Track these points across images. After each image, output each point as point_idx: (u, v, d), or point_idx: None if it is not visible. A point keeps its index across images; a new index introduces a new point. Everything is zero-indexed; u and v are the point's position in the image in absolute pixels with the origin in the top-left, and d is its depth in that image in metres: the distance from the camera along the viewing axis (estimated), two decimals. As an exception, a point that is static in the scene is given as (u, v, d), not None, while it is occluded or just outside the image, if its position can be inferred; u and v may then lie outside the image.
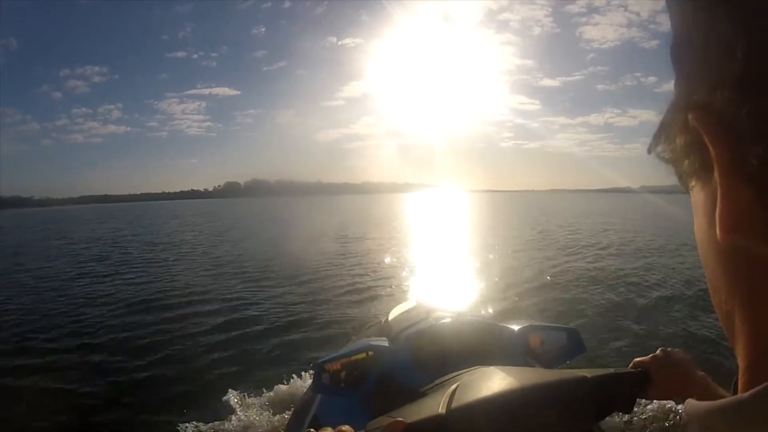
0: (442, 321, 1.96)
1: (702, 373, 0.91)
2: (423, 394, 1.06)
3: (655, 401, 3.61)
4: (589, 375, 0.89)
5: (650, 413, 3.88)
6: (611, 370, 0.94)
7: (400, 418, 0.77)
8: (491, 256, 13.36)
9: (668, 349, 0.97)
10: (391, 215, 41.43)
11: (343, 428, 0.72)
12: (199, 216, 49.94)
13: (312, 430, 0.75)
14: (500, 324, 2.00)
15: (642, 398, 0.95)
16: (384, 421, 0.79)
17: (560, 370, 1.09)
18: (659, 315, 7.16)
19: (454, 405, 0.83)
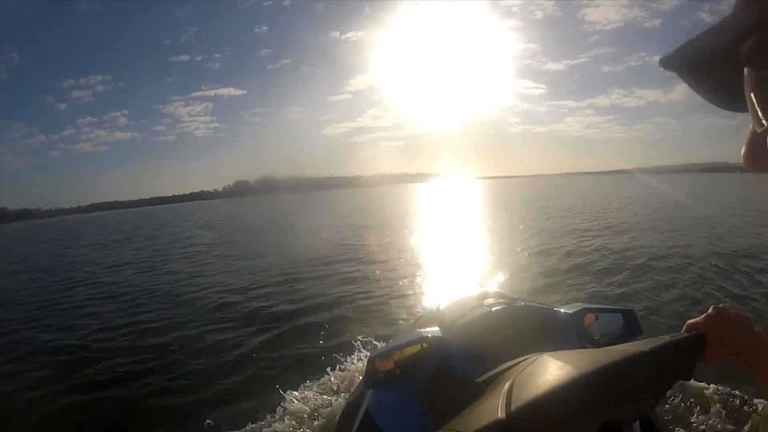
0: (496, 308, 1.90)
1: (758, 328, 0.86)
2: (479, 386, 1.04)
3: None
4: (645, 348, 0.87)
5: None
6: (666, 338, 0.91)
7: (459, 430, 0.77)
8: (520, 242, 13.21)
9: (720, 306, 0.92)
10: (409, 205, 41.52)
11: None
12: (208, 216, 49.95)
13: None
14: (554, 308, 1.95)
15: (702, 362, 0.90)
16: None
17: (615, 348, 0.99)
18: (701, 282, 7.13)
19: (513, 407, 0.81)
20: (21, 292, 11.12)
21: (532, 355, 1.07)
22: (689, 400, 3.68)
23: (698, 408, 3.62)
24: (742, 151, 0.30)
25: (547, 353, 1.01)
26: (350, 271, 10.36)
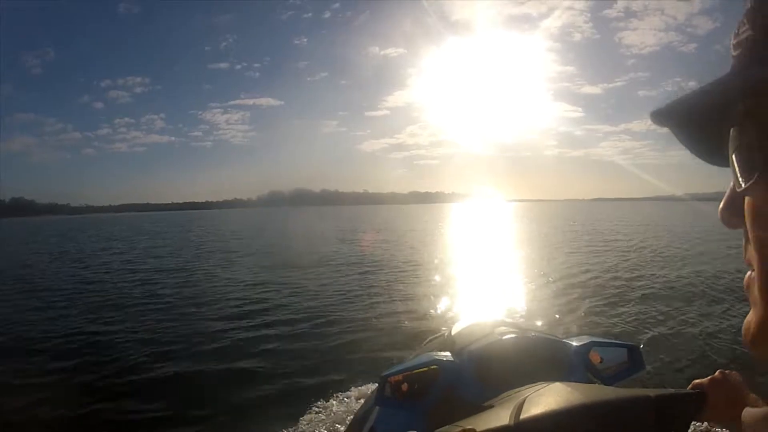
0: (507, 336, 1.96)
1: (754, 395, 0.89)
2: (488, 408, 1.09)
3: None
4: (651, 395, 0.91)
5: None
6: (671, 391, 0.95)
7: (470, 427, 0.81)
8: (544, 268, 13.13)
9: (726, 371, 0.95)
10: (440, 224, 41.36)
11: None
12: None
13: None
14: (562, 339, 2.02)
15: (697, 420, 0.95)
16: (453, 429, 0.85)
17: (622, 389, 1.08)
18: (721, 331, 6.81)
19: (522, 417, 0.86)
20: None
21: (542, 382, 1.13)
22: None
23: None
24: (720, 206, 0.31)
25: (559, 382, 1.07)
26: (374, 286, 10.68)
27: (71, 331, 7.50)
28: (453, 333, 2.20)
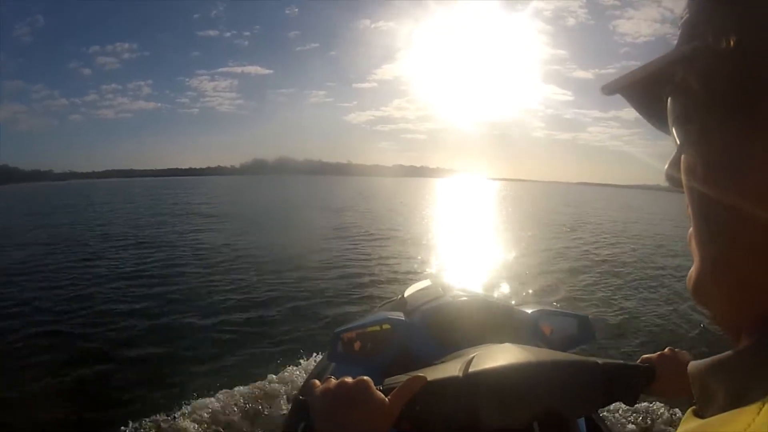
0: (459, 299, 1.97)
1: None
2: (440, 363, 1.08)
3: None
4: (600, 362, 0.94)
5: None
6: (621, 361, 0.98)
7: (421, 374, 0.82)
8: (513, 243, 13.28)
9: (676, 349, 1.02)
10: (420, 199, 41.42)
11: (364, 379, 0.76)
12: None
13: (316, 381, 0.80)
14: (514, 306, 2.02)
15: (645, 393, 0.98)
16: (403, 378, 0.83)
17: (573, 354, 1.10)
18: (676, 314, 6.96)
19: (471, 370, 0.88)
20: None
21: (494, 344, 1.14)
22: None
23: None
24: (665, 166, 0.34)
25: (510, 343, 1.08)
26: (342, 255, 10.71)
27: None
28: (406, 295, 2.24)
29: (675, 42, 0.32)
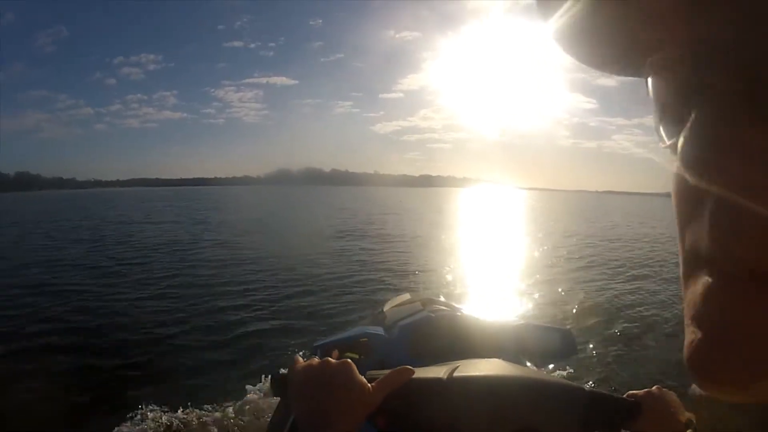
0: (438, 314, 1.97)
1: (690, 414, 0.90)
2: (424, 367, 1.08)
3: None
4: (586, 389, 0.92)
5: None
6: (606, 392, 0.96)
7: (409, 367, 0.80)
8: (528, 254, 13.14)
9: (664, 389, 0.99)
10: (450, 210, 41.42)
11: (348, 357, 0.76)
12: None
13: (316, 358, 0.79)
14: (495, 321, 2.01)
15: (627, 429, 0.94)
16: (384, 371, 0.82)
17: (561, 378, 1.14)
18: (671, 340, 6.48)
19: (455, 375, 0.88)
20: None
21: (484, 358, 1.14)
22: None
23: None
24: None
25: (495, 358, 1.09)
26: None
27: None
28: (385, 310, 2.25)
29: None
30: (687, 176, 0.24)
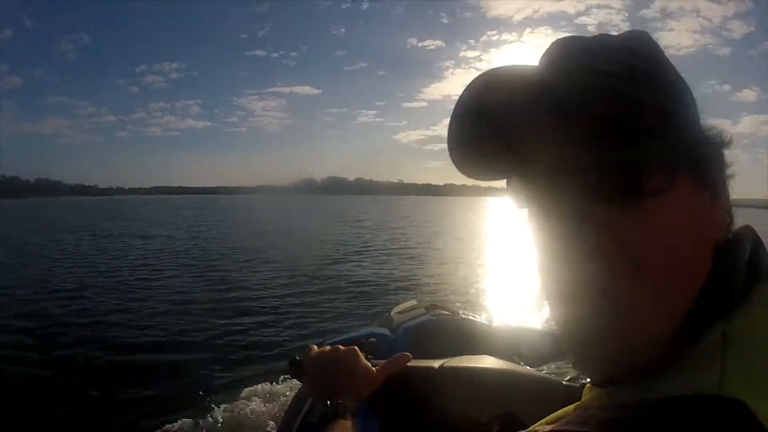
0: (439, 318, 2.14)
1: None
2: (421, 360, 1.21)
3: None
4: (563, 382, 0.98)
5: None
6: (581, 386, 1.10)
7: (407, 353, 0.92)
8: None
9: None
10: (465, 220, 41.09)
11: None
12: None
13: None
14: (492, 324, 2.20)
15: None
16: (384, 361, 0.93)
17: (545, 374, 1.21)
18: None
19: (446, 365, 0.97)
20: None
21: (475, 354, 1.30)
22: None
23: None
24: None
25: (487, 356, 1.15)
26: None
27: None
28: (392, 313, 2.41)
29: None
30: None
